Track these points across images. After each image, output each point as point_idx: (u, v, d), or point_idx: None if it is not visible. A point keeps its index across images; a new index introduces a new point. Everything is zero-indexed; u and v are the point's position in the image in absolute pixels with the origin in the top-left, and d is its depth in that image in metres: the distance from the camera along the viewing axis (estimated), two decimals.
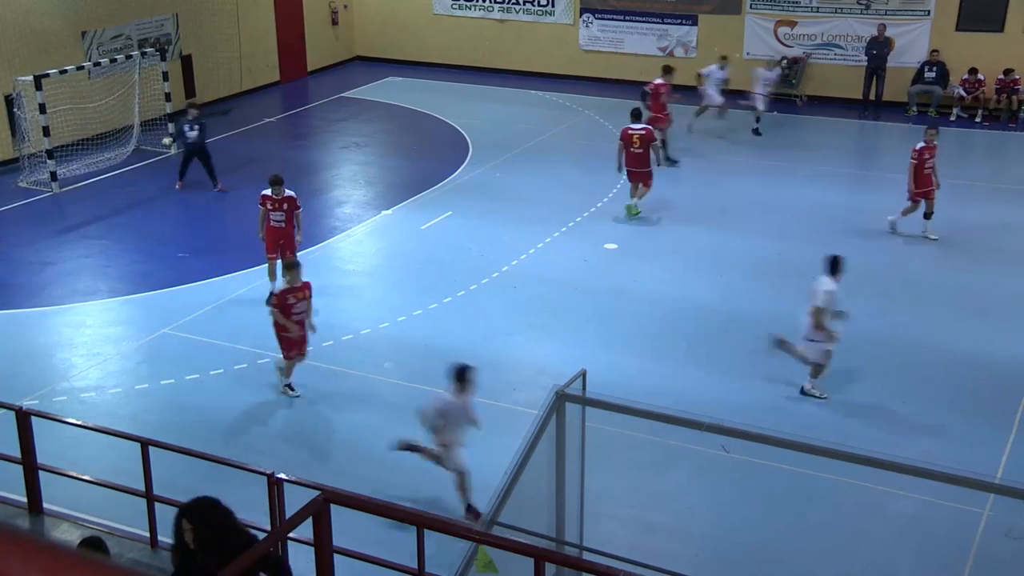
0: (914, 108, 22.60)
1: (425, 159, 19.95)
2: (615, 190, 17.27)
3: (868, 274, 13.94)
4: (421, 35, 27.31)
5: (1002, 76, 21.75)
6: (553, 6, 25.90)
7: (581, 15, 25.66)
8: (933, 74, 22.31)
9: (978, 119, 21.96)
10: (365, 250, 15.81)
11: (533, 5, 26.14)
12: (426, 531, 5.52)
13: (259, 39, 25.20)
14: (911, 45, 22.65)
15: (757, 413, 10.08)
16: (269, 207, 13.32)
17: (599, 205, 16.93)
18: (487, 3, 26.63)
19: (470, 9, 26.85)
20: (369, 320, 12.99)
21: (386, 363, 11.99)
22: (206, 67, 23.61)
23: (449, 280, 14.04)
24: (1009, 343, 12.16)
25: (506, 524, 6.23)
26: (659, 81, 19.03)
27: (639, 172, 16.25)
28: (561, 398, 7.00)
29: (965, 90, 22.11)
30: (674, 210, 16.72)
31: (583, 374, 7.43)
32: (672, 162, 18.79)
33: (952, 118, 22.05)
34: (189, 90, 23.16)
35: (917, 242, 15.33)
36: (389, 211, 17.11)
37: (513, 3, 26.35)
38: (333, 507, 5.08)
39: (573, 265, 14.57)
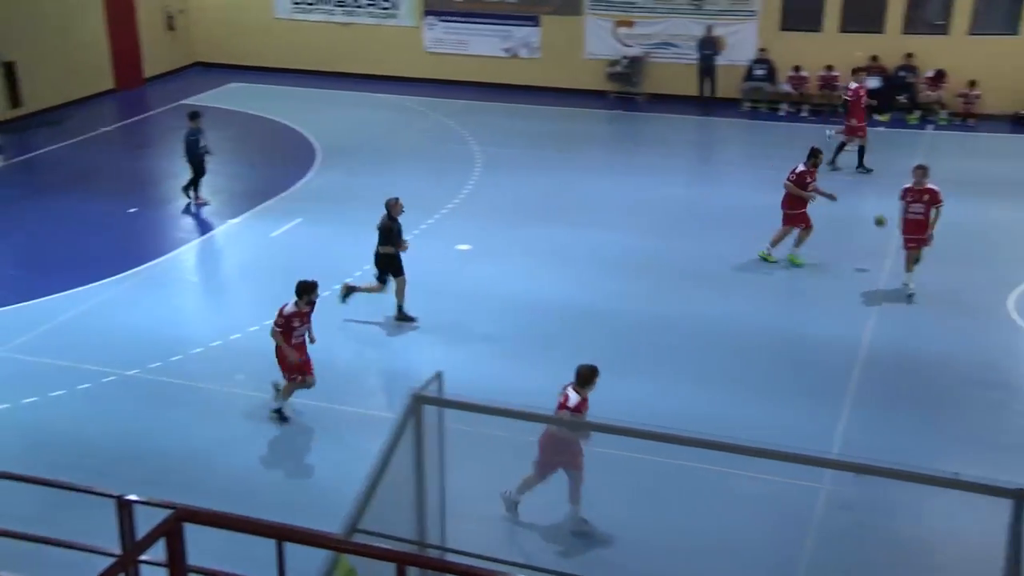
0: (747, 104, 23.66)
1: (272, 166, 19.61)
2: (465, 191, 17.40)
3: (709, 262, 14.53)
4: (263, 39, 26.77)
5: (823, 72, 23.02)
6: (397, 8, 25.84)
7: (425, 17, 25.69)
8: (763, 71, 23.42)
9: (804, 113, 23.15)
10: (213, 261, 15.42)
11: (376, 7, 26.01)
12: (287, 543, 5.46)
13: (90, 45, 24.19)
14: (740, 44, 23.67)
15: (616, 405, 10.36)
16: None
17: (450, 207, 17.04)
18: (329, 6, 26.34)
19: (312, 12, 26.49)
20: (219, 332, 12.70)
21: (238, 375, 11.76)
22: (32, 74, 22.50)
23: None
24: (836, 324, 12.84)
25: (368, 531, 6.22)
26: (855, 86, 19.03)
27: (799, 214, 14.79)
28: (417, 400, 7.02)
29: (792, 86, 23.30)
30: (527, 209, 16.99)
31: (439, 376, 7.48)
32: (866, 170, 18.92)
33: (781, 113, 23.22)
34: (14, 98, 22.06)
35: (761, 233, 16.02)
36: (236, 220, 16.74)
37: (356, 6, 26.15)
38: (188, 525, 4.97)
39: (427, 267, 14.61)
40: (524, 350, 12.36)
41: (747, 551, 8.84)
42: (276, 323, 10.68)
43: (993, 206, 17.08)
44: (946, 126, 21.93)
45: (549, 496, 9.63)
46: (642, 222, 16.36)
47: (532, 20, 25.04)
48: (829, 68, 22.96)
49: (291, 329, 10.66)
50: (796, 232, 14.72)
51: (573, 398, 8.95)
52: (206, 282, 14.50)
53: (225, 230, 16.36)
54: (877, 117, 22.27)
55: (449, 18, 25.56)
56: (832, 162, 18.81)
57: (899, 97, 22.36)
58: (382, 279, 12.99)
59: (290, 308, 10.72)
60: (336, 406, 11.04)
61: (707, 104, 23.60)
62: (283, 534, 5.43)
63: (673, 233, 15.99)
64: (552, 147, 20.72)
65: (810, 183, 14.69)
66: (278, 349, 10.66)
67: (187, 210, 17.31)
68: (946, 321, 12.86)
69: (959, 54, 22.13)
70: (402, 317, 12.99)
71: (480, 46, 25.46)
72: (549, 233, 15.97)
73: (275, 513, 8.86)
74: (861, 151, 19.10)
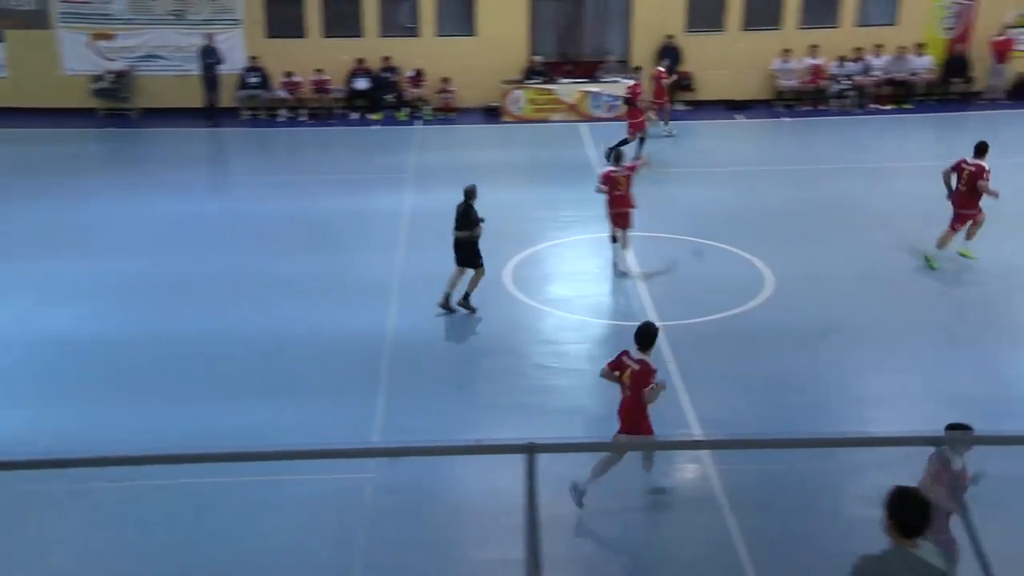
0: (246, 112, 23.67)
1: None
2: None
3: (207, 279, 14.41)
4: None
5: (315, 77, 23.73)
6: None
7: None
8: (257, 79, 23.56)
9: (303, 118, 23.69)
10: None
11: None
12: None
13: None
14: (231, 52, 23.56)
15: (146, 435, 9.91)
16: None
17: None
18: None
19: None
20: None
21: None
22: None
23: None
24: (359, 317, 13.40)
25: None
26: (633, 82, 20.33)
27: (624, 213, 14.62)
28: None
29: (287, 92, 23.73)
30: (24, 243, 15.54)
31: None
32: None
33: (281, 119, 23.59)
34: None
35: (279, 242, 16.11)
36: None
37: None
38: None
39: None
40: (33, 395, 11.36)
41: (304, 551, 8.98)
42: None
43: (480, 190, 18.78)
44: (432, 120, 23.72)
45: (98, 544, 8.98)
46: (146, 243, 15.76)
47: None
48: (319, 72, 23.70)
49: None
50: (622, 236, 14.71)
51: (651, 361, 9.12)
52: None
53: None
54: (371, 116, 23.52)
55: None
56: (613, 156, 19.66)
57: (387, 96, 23.76)
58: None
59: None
60: None
61: (214, 115, 23.22)
62: None
63: (181, 250, 15.60)
64: (39, 172, 19.08)
65: (621, 175, 14.59)
66: None
67: None
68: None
69: (431, 54, 24.02)
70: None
71: None
72: (54, 266, 14.77)
73: None
74: (642, 142, 19.92)
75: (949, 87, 24.34)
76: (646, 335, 9.27)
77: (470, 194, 13.30)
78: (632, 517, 9.37)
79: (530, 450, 4.40)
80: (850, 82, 23.84)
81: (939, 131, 23.07)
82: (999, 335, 12.55)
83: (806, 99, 24.13)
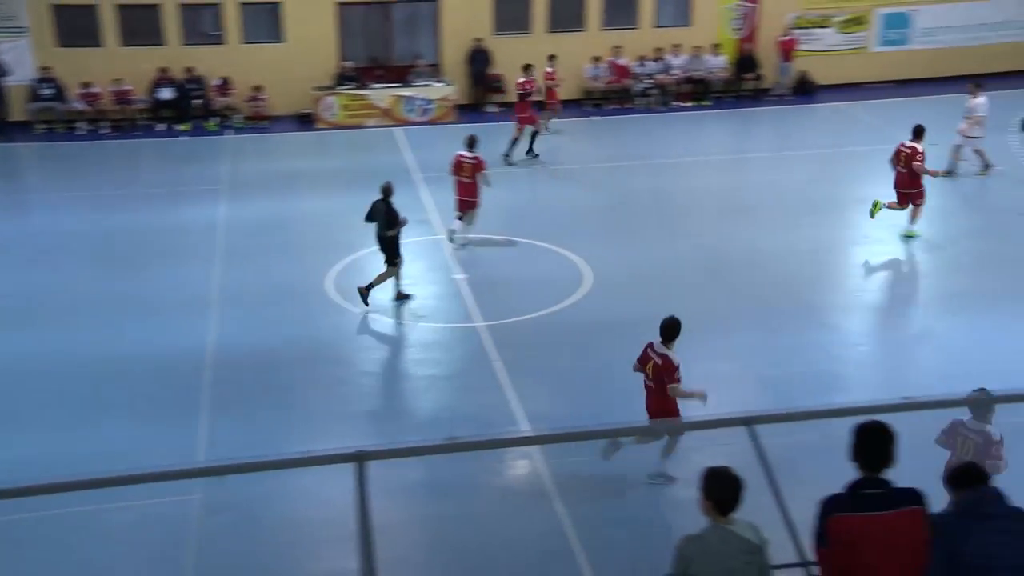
0: (40, 126, 22.46)
1: None
2: None
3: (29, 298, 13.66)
4: None
5: (114, 88, 22.72)
6: None
7: None
8: (51, 90, 22.36)
9: (105, 130, 22.65)
10: None
11: None
12: None
13: None
14: (17, 63, 22.26)
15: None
16: None
17: None
18: None
19: None
20: None
21: None
22: None
23: None
24: (180, 334, 12.98)
25: None
26: (523, 79, 20.28)
27: (469, 201, 15.55)
28: None
29: (86, 103, 22.62)
30: None
31: None
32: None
33: (81, 132, 22.49)
34: None
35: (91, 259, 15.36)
36: None
37: None
38: None
39: None
40: None
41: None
42: None
43: (298, 198, 18.58)
44: (244, 129, 23.15)
45: None
46: None
47: None
48: (119, 82, 22.72)
49: None
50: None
51: (672, 355, 9.19)
52: None
53: None
54: (178, 127, 22.75)
55: None
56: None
57: (195, 102, 23.03)
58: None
59: None
60: None
61: (5, 129, 21.90)
62: None
63: None
64: None
65: (467, 162, 15.59)
66: None
67: None
68: (280, 312, 13.70)
69: (239, 62, 23.45)
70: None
71: None
72: None
73: None
74: (533, 136, 20.42)
75: (742, 84, 25.74)
76: (670, 328, 9.32)
77: (388, 191, 13.39)
78: (465, 518, 9.48)
79: (359, 458, 4.44)
80: (652, 81, 24.85)
81: (734, 126, 24.37)
82: (797, 317, 13.40)
83: (613, 98, 24.98)
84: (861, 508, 4.98)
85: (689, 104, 25.04)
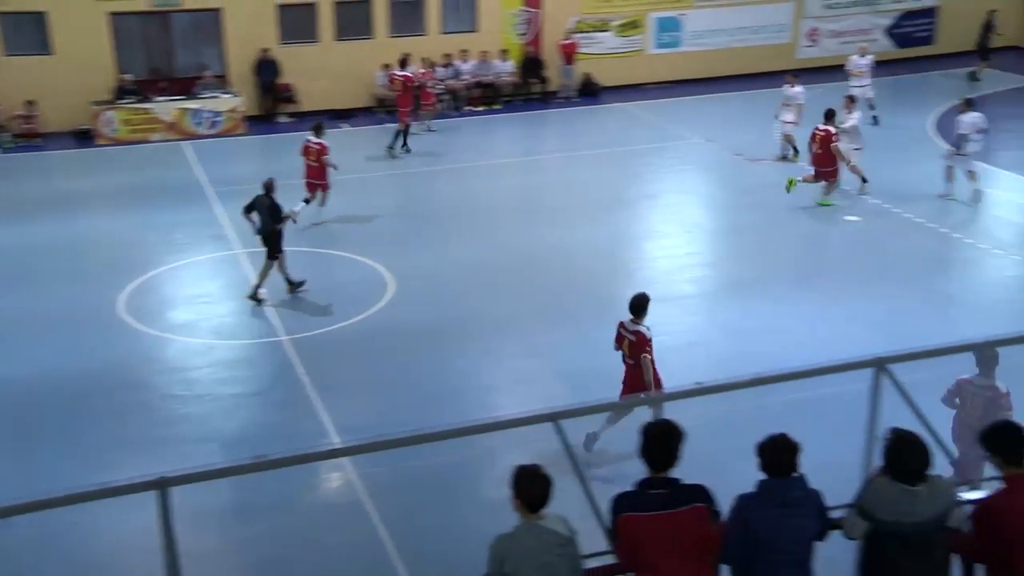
0: None
1: None
2: None
3: None
4: None
5: None
6: None
7: None
8: None
9: None
10: None
11: None
12: None
13: None
14: None
15: None
16: None
17: None
18: None
19: None
20: None
21: None
22: None
23: None
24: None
25: None
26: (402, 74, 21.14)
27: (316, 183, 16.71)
28: None
29: None
30: None
31: None
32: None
33: None
34: None
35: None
36: None
37: None
38: None
39: None
40: None
41: None
42: None
43: (82, 219, 17.57)
44: (13, 148, 21.71)
45: None
46: None
47: None
48: None
49: None
50: None
51: (644, 330, 9.44)
52: None
53: None
54: None
55: None
56: (391, 147, 20.80)
57: None
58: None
59: None
60: None
61: None
62: None
63: None
64: None
65: (312, 147, 16.64)
66: None
67: None
68: (69, 339, 12.96)
69: (2, 76, 21.92)
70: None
71: None
72: None
73: None
74: (405, 133, 21.17)
75: (530, 88, 26.38)
76: (638, 305, 9.71)
77: (270, 187, 13.87)
78: (280, 535, 9.31)
79: (160, 485, 4.32)
80: (443, 86, 25.09)
81: (525, 129, 24.95)
82: (600, 312, 13.85)
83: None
84: (646, 508, 5.15)
85: (480, 108, 25.44)
